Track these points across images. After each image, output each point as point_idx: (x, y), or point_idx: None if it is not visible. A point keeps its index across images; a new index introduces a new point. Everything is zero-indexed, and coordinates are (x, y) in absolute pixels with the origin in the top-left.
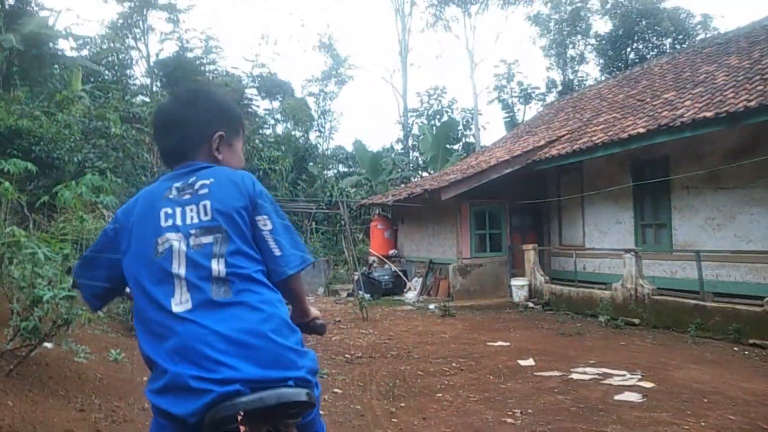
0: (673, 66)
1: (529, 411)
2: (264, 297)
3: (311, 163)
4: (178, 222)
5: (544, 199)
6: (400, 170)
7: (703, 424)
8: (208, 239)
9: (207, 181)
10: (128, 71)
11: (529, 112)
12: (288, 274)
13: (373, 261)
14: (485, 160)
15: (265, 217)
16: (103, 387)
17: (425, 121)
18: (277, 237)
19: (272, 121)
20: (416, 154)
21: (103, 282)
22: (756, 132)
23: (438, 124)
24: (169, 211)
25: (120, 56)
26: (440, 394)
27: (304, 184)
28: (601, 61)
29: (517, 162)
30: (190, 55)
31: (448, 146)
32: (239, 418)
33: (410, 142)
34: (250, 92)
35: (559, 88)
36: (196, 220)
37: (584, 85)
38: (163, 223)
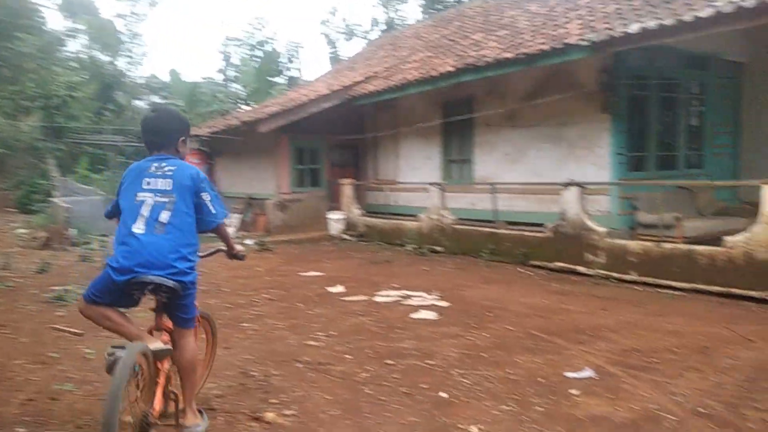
0: (484, 9)
1: (333, 333)
2: (177, 238)
3: (120, 92)
4: (151, 187)
5: (362, 134)
6: (219, 102)
7: (485, 335)
8: (164, 199)
9: (172, 168)
10: None
11: (353, 49)
12: (217, 223)
13: None
14: (305, 94)
15: (205, 193)
16: None
17: (247, 52)
18: (213, 203)
19: (73, 43)
20: (238, 86)
21: (113, 209)
22: (547, 74)
23: (261, 55)
24: (151, 180)
25: None
26: (247, 324)
27: (112, 114)
28: (422, 1)
29: (336, 97)
30: None
31: (270, 79)
32: (144, 289)
33: (231, 74)
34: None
35: (382, 26)
36: (161, 188)
37: (405, 24)
38: (144, 186)
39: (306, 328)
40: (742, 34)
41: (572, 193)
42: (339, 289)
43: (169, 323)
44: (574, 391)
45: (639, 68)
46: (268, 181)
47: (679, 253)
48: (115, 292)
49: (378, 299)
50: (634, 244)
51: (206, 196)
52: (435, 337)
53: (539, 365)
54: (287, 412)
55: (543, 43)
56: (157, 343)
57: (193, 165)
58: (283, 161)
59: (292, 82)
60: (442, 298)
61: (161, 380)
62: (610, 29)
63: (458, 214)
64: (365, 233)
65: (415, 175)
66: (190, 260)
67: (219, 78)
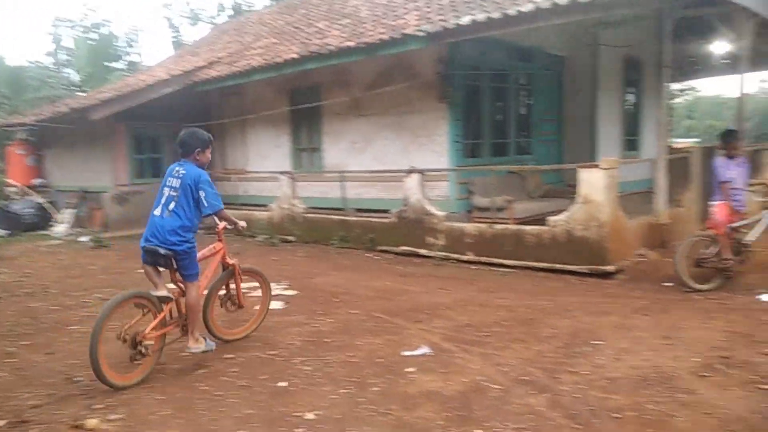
0: None
1: None
2: (176, 221)
3: None
4: (170, 184)
5: (208, 122)
6: (50, 88)
7: (330, 320)
8: (173, 193)
9: (183, 171)
10: None
11: (197, 34)
12: (208, 212)
13: (14, 192)
14: (144, 80)
15: (202, 191)
16: None
17: (81, 35)
18: (207, 198)
19: None
20: (71, 70)
21: None
22: (389, 64)
23: (96, 38)
24: (171, 179)
25: None
26: (75, 327)
27: None
28: None
29: (176, 82)
30: None
31: (108, 64)
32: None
33: (63, 57)
34: None
35: (229, 11)
36: (173, 185)
37: (252, 9)
38: (167, 183)
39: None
40: (562, 29)
41: (414, 180)
42: None
43: (179, 277)
44: (410, 369)
45: (473, 59)
46: (104, 173)
47: (509, 233)
48: (144, 254)
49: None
50: (470, 227)
51: (202, 193)
52: (280, 326)
53: (379, 346)
54: (113, 416)
55: (383, 33)
56: (161, 291)
57: (200, 169)
58: (120, 151)
59: (132, 67)
60: (291, 287)
61: (160, 316)
62: (444, 21)
63: (309, 203)
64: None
65: (264, 164)
66: (181, 236)
67: (49, 62)
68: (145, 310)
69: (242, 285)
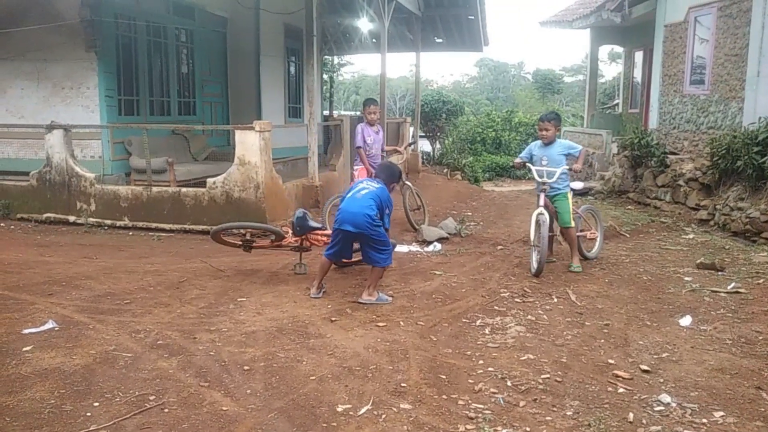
0: None
1: None
2: (365, 204)
3: None
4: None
5: None
6: None
7: None
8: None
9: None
10: None
11: None
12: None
13: None
14: None
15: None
16: None
17: None
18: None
19: None
20: None
21: None
22: (26, 1)
23: None
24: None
25: None
26: None
27: None
28: None
29: None
30: None
31: None
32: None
33: None
34: None
35: None
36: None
37: None
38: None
39: None
40: None
41: (57, 137)
42: None
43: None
44: (27, 348)
45: (126, 9)
46: None
47: (167, 196)
48: None
49: None
50: (124, 190)
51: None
52: None
53: None
54: None
55: None
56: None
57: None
58: None
59: None
60: None
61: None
62: None
63: None
64: None
65: None
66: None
67: None
68: None
69: None
